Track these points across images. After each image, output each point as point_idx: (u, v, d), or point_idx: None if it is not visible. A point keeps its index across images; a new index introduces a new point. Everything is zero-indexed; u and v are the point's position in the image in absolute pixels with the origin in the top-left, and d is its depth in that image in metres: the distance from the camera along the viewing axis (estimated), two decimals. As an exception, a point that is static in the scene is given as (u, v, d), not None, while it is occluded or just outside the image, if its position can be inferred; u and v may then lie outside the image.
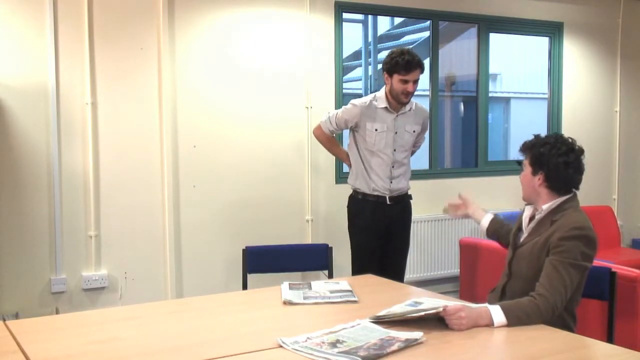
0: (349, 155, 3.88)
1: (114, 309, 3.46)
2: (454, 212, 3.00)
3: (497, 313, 2.15)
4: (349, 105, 3.81)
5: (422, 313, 2.10)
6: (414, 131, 3.79)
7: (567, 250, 2.33)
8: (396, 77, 3.63)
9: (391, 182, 3.74)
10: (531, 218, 2.57)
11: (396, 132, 3.73)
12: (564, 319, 2.39)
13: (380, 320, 2.13)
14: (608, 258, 4.58)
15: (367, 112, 3.71)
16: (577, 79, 5.96)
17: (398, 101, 3.69)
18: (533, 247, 2.46)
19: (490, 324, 2.14)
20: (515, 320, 2.16)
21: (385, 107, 3.72)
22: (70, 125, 4.04)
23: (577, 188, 2.51)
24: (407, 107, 3.76)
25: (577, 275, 2.34)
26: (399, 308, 2.24)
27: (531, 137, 2.57)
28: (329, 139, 3.96)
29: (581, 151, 2.49)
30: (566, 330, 2.35)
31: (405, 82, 3.62)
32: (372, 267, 3.56)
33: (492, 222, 2.91)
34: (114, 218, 4.17)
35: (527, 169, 2.52)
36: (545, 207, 2.48)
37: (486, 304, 2.23)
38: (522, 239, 2.57)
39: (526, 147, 2.54)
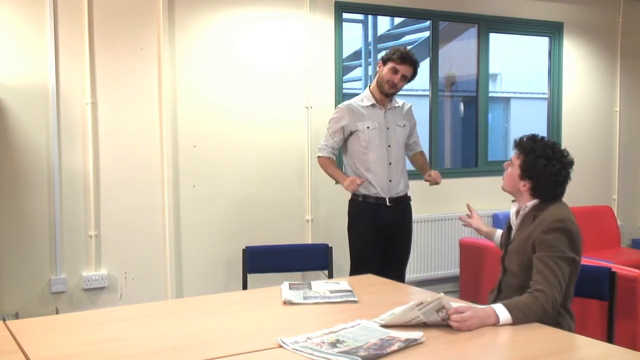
0: (343, 171, 3.88)
1: (114, 309, 3.46)
2: (468, 222, 2.96)
3: (501, 311, 2.17)
4: (336, 110, 3.87)
5: (423, 317, 2.08)
6: (404, 125, 3.83)
7: (552, 244, 2.36)
8: (389, 64, 3.70)
9: (390, 181, 3.74)
10: (517, 213, 2.61)
11: (388, 128, 3.76)
12: (560, 314, 2.41)
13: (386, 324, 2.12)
14: (608, 258, 4.59)
15: (355, 111, 3.74)
16: (577, 79, 5.96)
17: (383, 91, 3.73)
18: (519, 242, 2.51)
19: (496, 323, 2.15)
20: (519, 315, 2.18)
21: (373, 104, 3.75)
22: (70, 125, 4.04)
23: (561, 198, 2.54)
24: (393, 103, 3.81)
25: (567, 267, 2.36)
26: (402, 310, 2.24)
27: (529, 135, 2.57)
28: (327, 161, 3.82)
29: (572, 164, 2.52)
30: (564, 326, 2.38)
31: (395, 71, 3.67)
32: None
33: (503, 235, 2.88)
34: (114, 218, 4.17)
35: (516, 169, 2.54)
36: (530, 204, 2.53)
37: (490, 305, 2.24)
38: (512, 236, 2.61)
39: (522, 149, 2.54)
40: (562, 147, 2.55)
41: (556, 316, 2.40)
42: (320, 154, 3.86)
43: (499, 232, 2.91)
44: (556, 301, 2.29)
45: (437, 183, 3.77)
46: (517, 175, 2.53)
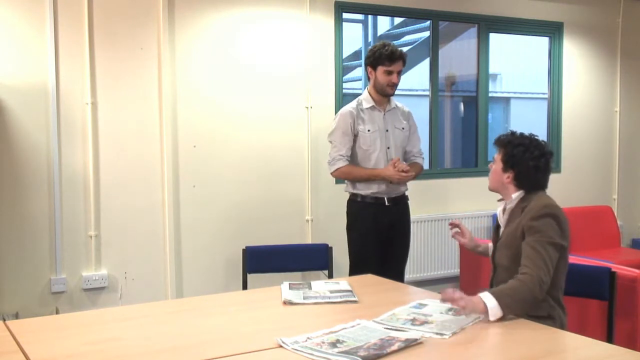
0: (375, 169, 3.70)
1: (114, 309, 3.46)
2: (462, 242, 2.90)
3: (488, 298, 2.19)
4: (337, 118, 3.77)
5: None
6: (403, 128, 3.81)
7: (540, 230, 2.38)
8: (380, 69, 3.67)
9: (390, 182, 3.73)
10: (504, 211, 2.62)
11: (387, 130, 3.74)
12: (551, 306, 2.42)
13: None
14: (608, 258, 4.58)
15: (355, 115, 3.71)
16: (577, 79, 5.96)
17: (384, 94, 3.72)
18: (508, 235, 2.52)
19: (484, 310, 2.17)
20: (507, 300, 2.20)
21: (372, 106, 3.73)
22: (70, 125, 4.04)
23: (544, 189, 2.57)
24: (392, 104, 3.79)
25: (555, 253, 2.37)
26: (403, 310, 2.24)
27: (507, 132, 2.64)
28: (350, 168, 3.71)
29: (551, 154, 2.58)
30: (555, 319, 2.39)
31: (390, 73, 3.66)
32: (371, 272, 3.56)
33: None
34: (114, 218, 4.17)
35: (498, 164, 2.59)
36: (515, 195, 2.55)
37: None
38: (500, 233, 2.62)
39: (501, 143, 2.61)
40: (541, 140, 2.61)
41: (548, 308, 2.40)
42: (336, 167, 3.69)
43: (492, 246, 2.90)
44: (542, 282, 2.30)
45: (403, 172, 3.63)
46: (500, 169, 2.57)
